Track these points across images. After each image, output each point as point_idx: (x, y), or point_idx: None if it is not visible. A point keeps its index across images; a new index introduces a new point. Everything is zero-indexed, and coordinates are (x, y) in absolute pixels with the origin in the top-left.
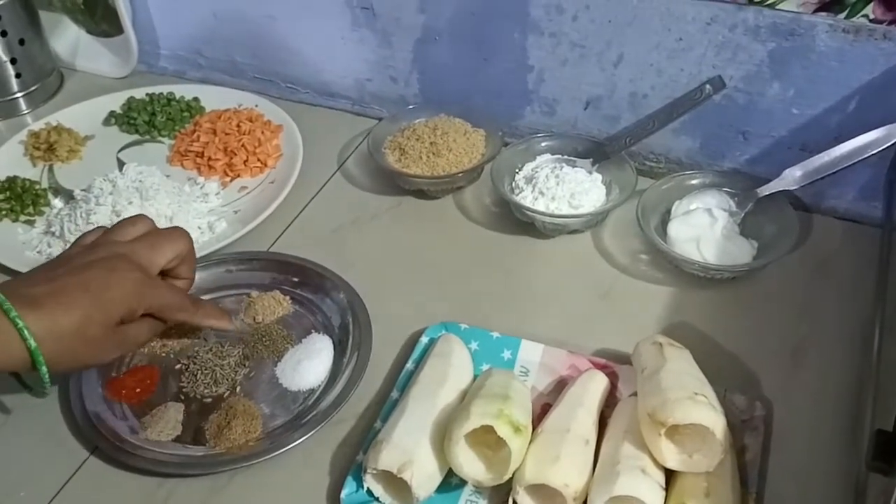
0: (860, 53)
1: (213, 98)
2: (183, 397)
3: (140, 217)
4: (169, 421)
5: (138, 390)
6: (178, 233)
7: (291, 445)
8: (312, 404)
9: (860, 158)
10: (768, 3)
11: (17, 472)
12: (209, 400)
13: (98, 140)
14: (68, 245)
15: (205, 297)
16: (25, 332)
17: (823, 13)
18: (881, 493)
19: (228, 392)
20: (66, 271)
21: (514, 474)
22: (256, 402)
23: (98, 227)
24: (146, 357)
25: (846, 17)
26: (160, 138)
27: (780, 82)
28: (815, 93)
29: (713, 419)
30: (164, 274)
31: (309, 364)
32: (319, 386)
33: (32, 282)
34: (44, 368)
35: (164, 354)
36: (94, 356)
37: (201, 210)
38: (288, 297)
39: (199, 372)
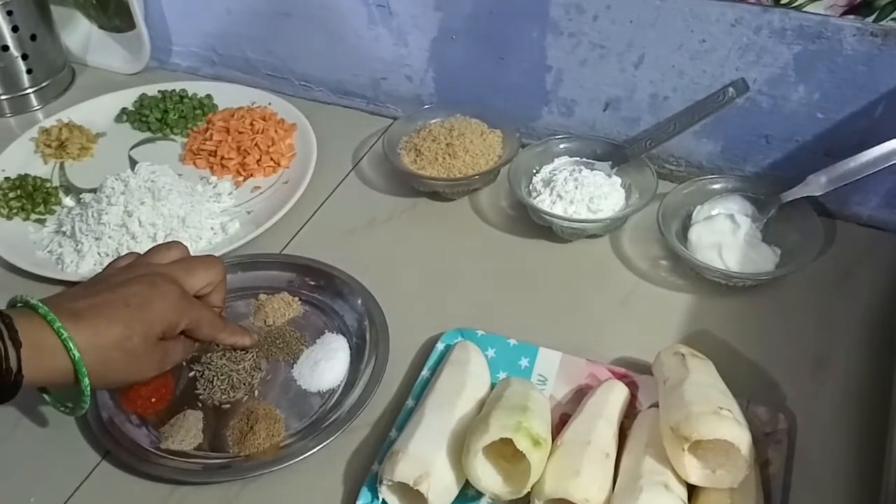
0: (888, 58)
1: (227, 96)
2: (200, 405)
3: (175, 243)
4: (190, 430)
5: (153, 400)
6: (212, 260)
7: (308, 454)
8: (332, 406)
9: (886, 165)
10: (795, 5)
11: (27, 477)
12: (227, 406)
13: (110, 137)
14: (79, 245)
15: None
16: (70, 342)
17: (851, 16)
18: None
19: (246, 396)
20: (106, 287)
21: (532, 488)
22: (276, 404)
23: (131, 253)
24: None
25: (875, 21)
26: (172, 136)
27: (805, 86)
28: (841, 97)
29: (738, 435)
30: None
31: (327, 364)
32: (339, 385)
33: (73, 297)
34: (86, 380)
35: None
36: (135, 371)
37: (214, 210)
38: (297, 299)
39: (215, 378)
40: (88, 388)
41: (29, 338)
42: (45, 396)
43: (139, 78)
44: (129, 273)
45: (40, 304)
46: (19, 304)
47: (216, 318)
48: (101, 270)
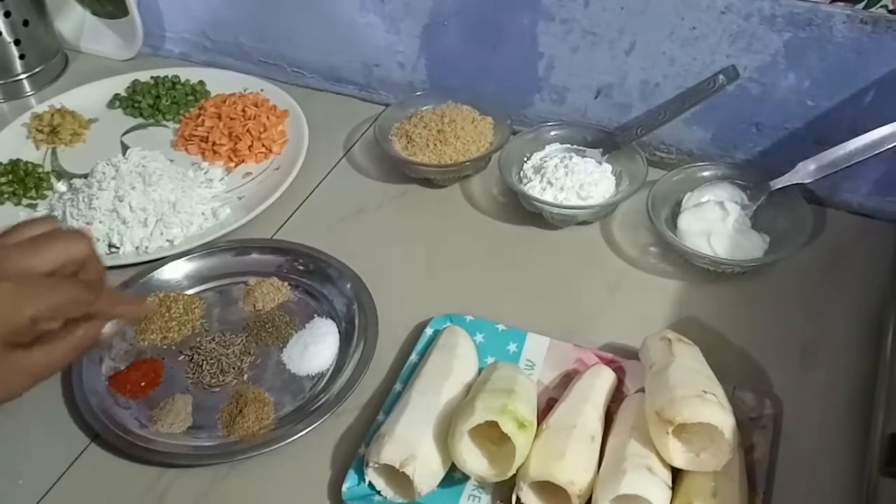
0: (878, 45)
1: (219, 82)
2: (189, 388)
3: (42, 218)
4: (179, 413)
5: (143, 384)
6: (74, 236)
7: (296, 437)
8: (321, 390)
9: (876, 152)
10: None
11: (15, 460)
12: (217, 389)
13: (102, 123)
14: None
15: (208, 285)
16: None
17: (841, 3)
18: (894, 498)
19: (236, 380)
20: None
21: (518, 470)
22: (265, 388)
23: None
24: (148, 350)
25: (864, 8)
26: (165, 122)
27: (795, 73)
28: (831, 84)
29: (722, 418)
30: None
31: (316, 348)
32: (328, 370)
33: None
34: None
35: (165, 346)
36: None
37: (205, 196)
38: (286, 284)
39: (205, 362)
40: None
41: None
42: None
43: (132, 64)
44: None
45: None
46: None
47: (78, 292)
48: None
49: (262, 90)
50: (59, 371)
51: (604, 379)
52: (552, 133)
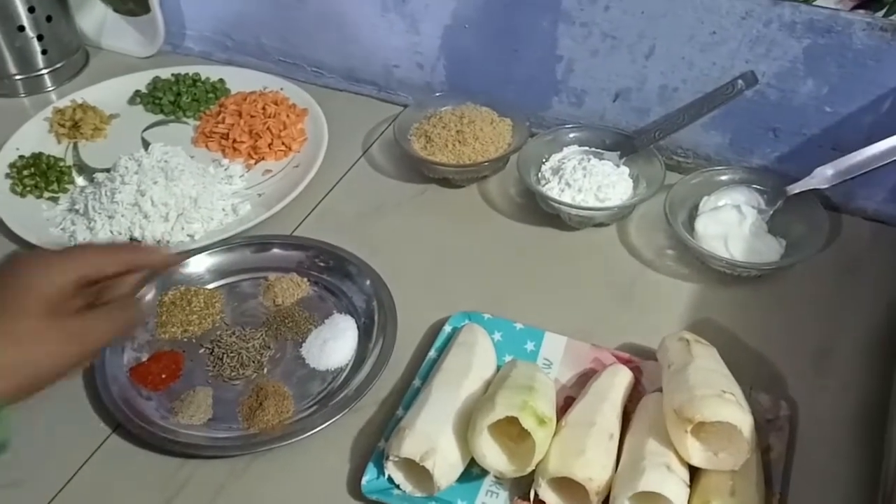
0: None
1: (239, 80)
2: (210, 381)
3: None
4: (199, 405)
5: (164, 376)
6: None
7: (315, 430)
8: (341, 385)
9: (892, 159)
10: None
11: (37, 450)
12: (237, 382)
13: (123, 119)
14: (92, 223)
15: (227, 280)
16: None
17: (861, 11)
18: None
19: (255, 374)
20: None
21: (536, 466)
22: (284, 382)
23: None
24: (169, 343)
25: (884, 16)
26: (185, 119)
27: (813, 80)
28: (849, 91)
29: (741, 418)
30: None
31: (335, 344)
32: (347, 365)
33: None
34: None
35: (186, 339)
36: (44, 360)
37: (225, 192)
38: (306, 280)
39: (225, 355)
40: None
41: None
42: None
43: (152, 61)
44: None
45: None
46: None
47: (109, 251)
48: None
49: (281, 89)
50: (103, 344)
51: (621, 378)
52: (570, 135)
